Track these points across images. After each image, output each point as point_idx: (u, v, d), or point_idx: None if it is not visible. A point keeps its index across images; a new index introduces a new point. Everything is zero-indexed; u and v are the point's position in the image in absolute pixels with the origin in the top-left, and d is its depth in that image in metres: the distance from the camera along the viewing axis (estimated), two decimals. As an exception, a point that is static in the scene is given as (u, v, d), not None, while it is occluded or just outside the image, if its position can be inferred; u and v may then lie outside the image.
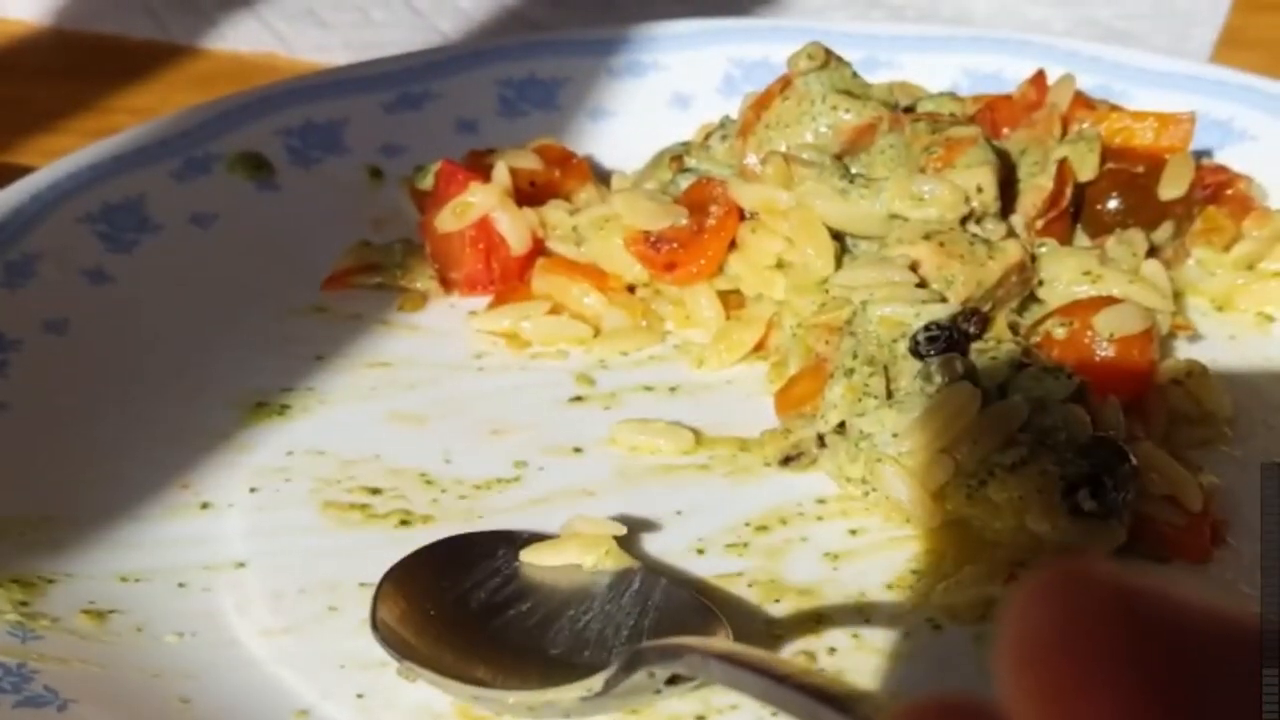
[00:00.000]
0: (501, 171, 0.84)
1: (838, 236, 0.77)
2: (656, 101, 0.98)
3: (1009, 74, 0.94)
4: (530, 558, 0.62)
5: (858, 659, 0.59)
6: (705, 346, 0.78)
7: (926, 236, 0.74)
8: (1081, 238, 0.82)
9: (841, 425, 0.68)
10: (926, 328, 0.68)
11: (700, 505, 0.68)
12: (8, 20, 1.23)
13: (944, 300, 0.71)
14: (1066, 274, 0.76)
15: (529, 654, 0.57)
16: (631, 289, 0.82)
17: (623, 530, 0.63)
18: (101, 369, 0.76)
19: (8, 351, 0.74)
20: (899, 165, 0.77)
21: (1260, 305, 0.82)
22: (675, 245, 0.79)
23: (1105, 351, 0.71)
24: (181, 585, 0.63)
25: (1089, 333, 0.71)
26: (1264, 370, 0.77)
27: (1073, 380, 0.66)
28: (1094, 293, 0.75)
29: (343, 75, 0.97)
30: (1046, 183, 0.79)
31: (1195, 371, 0.73)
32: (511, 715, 0.56)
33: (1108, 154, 0.82)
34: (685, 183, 0.83)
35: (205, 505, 0.68)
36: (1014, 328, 0.74)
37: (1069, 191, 0.80)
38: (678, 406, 0.75)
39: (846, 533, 0.66)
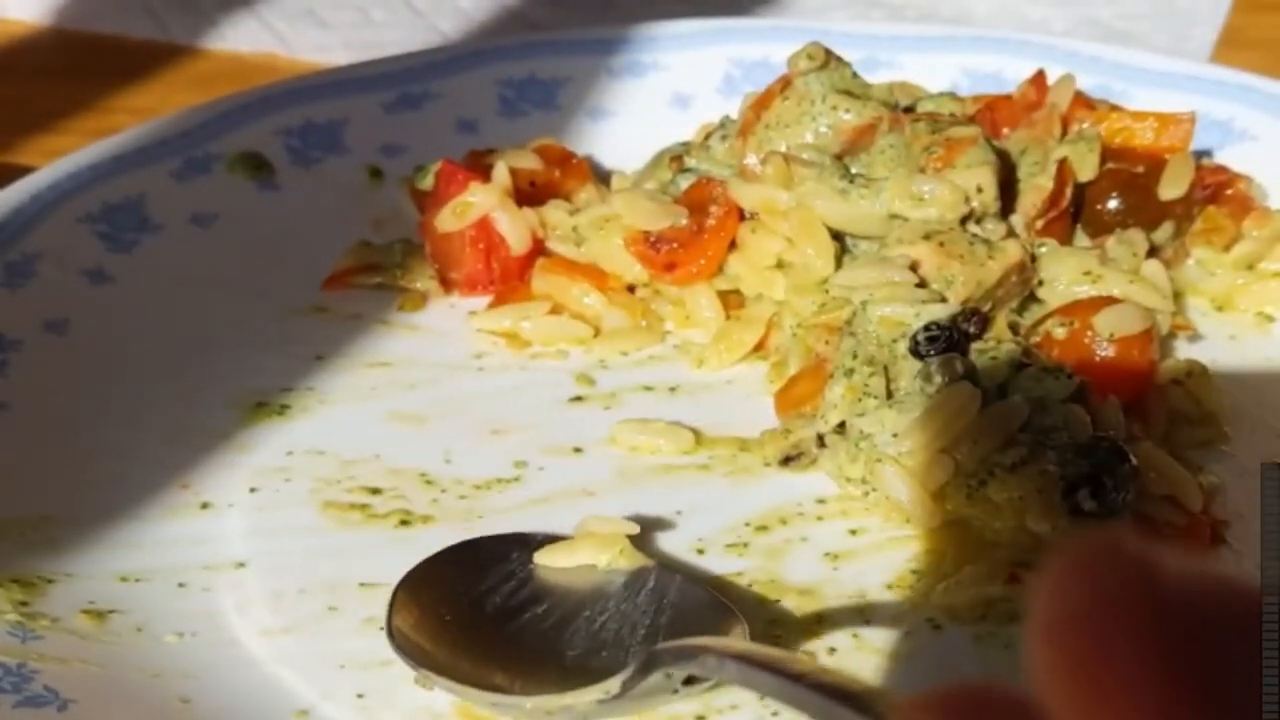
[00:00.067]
0: (501, 171, 0.84)
1: (838, 236, 0.77)
2: (656, 101, 0.98)
3: (1009, 74, 0.94)
4: (544, 559, 0.62)
5: (858, 659, 0.59)
6: (705, 346, 0.78)
7: (926, 236, 0.74)
8: (1081, 238, 0.82)
9: (841, 425, 0.68)
10: (926, 328, 0.68)
11: (700, 505, 0.68)
12: (8, 20, 1.23)
13: (944, 300, 0.71)
14: (1066, 274, 0.76)
15: (546, 657, 0.56)
16: (631, 289, 0.82)
17: (636, 529, 0.63)
18: (101, 369, 0.76)
19: (8, 351, 0.74)
20: (899, 165, 0.77)
21: (1260, 305, 0.82)
22: (675, 245, 0.79)
23: (1105, 351, 0.71)
24: (181, 585, 0.63)
25: (1089, 333, 0.71)
26: (1264, 370, 0.77)
27: (1073, 380, 0.66)
28: (1094, 293, 0.75)
29: (343, 75, 0.97)
30: (1046, 183, 0.79)
31: (1195, 371, 0.73)
32: (528, 719, 0.56)
33: (1108, 154, 0.82)
34: (685, 183, 0.83)
35: (205, 505, 0.68)
36: (1014, 328, 0.74)
37: (1069, 191, 0.80)
38: (678, 406, 0.75)
39: (846, 533, 0.66)
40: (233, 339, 0.79)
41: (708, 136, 0.86)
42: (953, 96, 0.86)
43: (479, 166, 0.85)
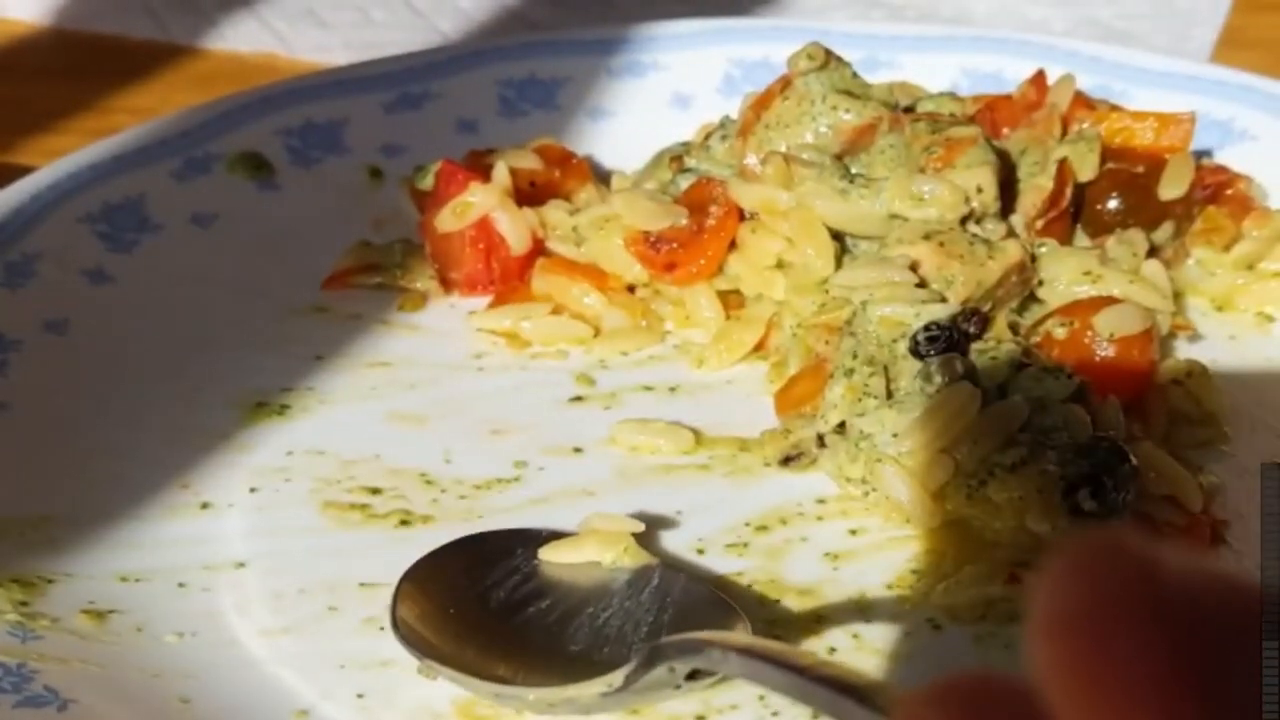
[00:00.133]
0: (501, 171, 0.84)
1: (838, 236, 0.77)
2: (656, 101, 0.98)
3: (1009, 74, 0.94)
4: (549, 555, 0.62)
5: (858, 659, 0.59)
6: (705, 346, 0.78)
7: (926, 236, 0.74)
8: (1081, 238, 0.82)
9: (841, 425, 0.68)
10: (926, 328, 0.68)
11: (700, 505, 0.68)
12: (8, 20, 1.23)
13: (944, 300, 0.71)
14: (1066, 274, 0.76)
15: (549, 651, 0.57)
16: (631, 289, 0.82)
17: (641, 527, 0.63)
18: (101, 369, 0.76)
19: (8, 351, 0.74)
20: (899, 165, 0.77)
21: (1260, 305, 0.82)
22: (675, 245, 0.79)
23: (1105, 351, 0.71)
24: (181, 585, 0.63)
25: (1089, 333, 0.71)
26: (1264, 370, 0.77)
27: (1073, 380, 0.66)
28: (1094, 293, 0.75)
29: (343, 75, 0.97)
30: (1046, 183, 0.79)
31: (1195, 371, 0.73)
32: (532, 712, 0.56)
33: (1108, 154, 0.82)
34: (685, 183, 0.83)
35: (205, 505, 0.68)
36: (1014, 328, 0.74)
37: (1069, 191, 0.80)
38: (678, 406, 0.75)
39: (846, 533, 0.66)
40: (233, 339, 0.79)
41: (708, 136, 0.86)
42: (953, 96, 0.86)
43: (479, 166, 0.85)
